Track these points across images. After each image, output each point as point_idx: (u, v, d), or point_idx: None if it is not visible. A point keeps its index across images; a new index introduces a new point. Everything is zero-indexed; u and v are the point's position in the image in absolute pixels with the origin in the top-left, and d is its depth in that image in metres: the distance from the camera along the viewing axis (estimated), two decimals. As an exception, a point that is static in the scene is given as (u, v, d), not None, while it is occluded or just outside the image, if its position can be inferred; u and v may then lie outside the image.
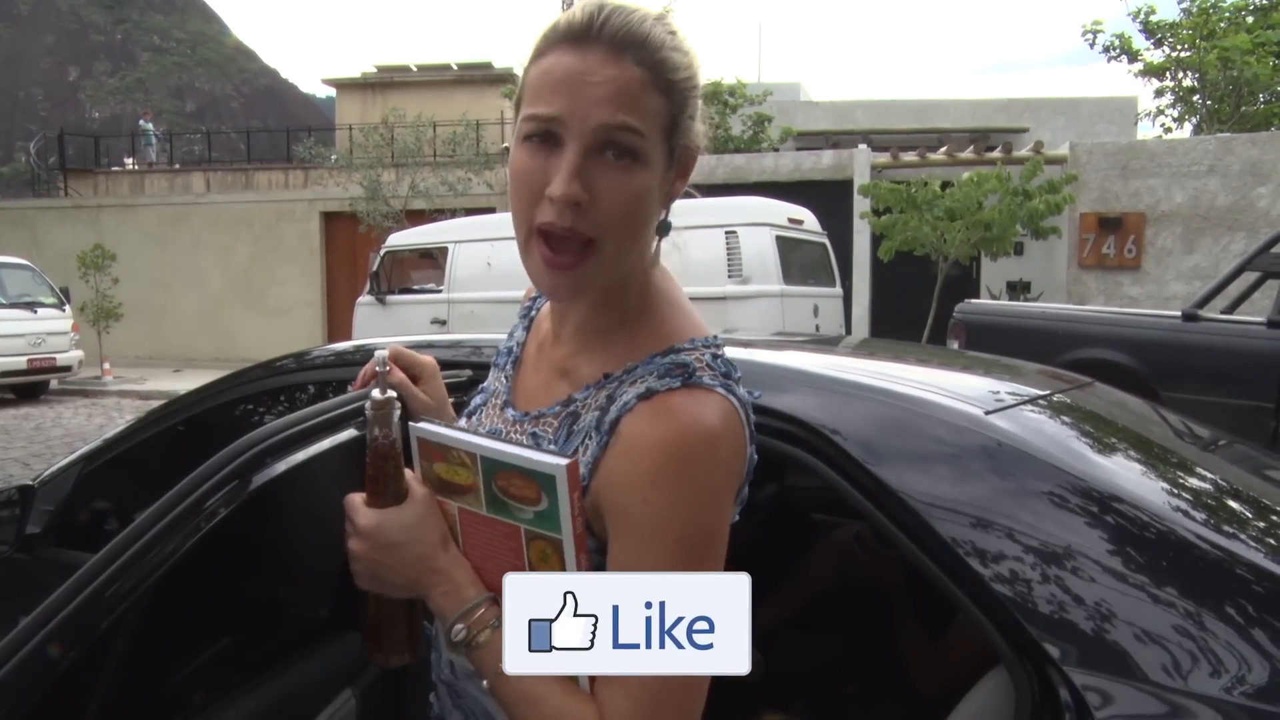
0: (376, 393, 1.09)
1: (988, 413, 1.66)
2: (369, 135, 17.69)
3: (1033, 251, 12.86)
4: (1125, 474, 1.62)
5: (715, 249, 9.50)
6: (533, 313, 1.30)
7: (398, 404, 1.10)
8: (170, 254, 19.52)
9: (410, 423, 1.10)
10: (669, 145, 1.05)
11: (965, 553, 1.41)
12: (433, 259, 11.77)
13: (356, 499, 1.10)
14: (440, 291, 11.20)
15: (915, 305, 11.69)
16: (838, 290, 11.11)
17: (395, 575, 1.07)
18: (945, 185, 11.47)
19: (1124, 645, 1.31)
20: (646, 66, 1.00)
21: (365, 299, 11.74)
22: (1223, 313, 7.02)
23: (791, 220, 10.17)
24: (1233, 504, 1.73)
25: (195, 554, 1.24)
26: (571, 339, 1.15)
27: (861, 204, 12.69)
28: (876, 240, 12.29)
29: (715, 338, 1.12)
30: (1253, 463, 2.06)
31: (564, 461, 0.96)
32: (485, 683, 1.01)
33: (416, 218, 15.18)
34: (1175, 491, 1.64)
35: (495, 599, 1.02)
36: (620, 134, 0.99)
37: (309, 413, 1.37)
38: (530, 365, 1.23)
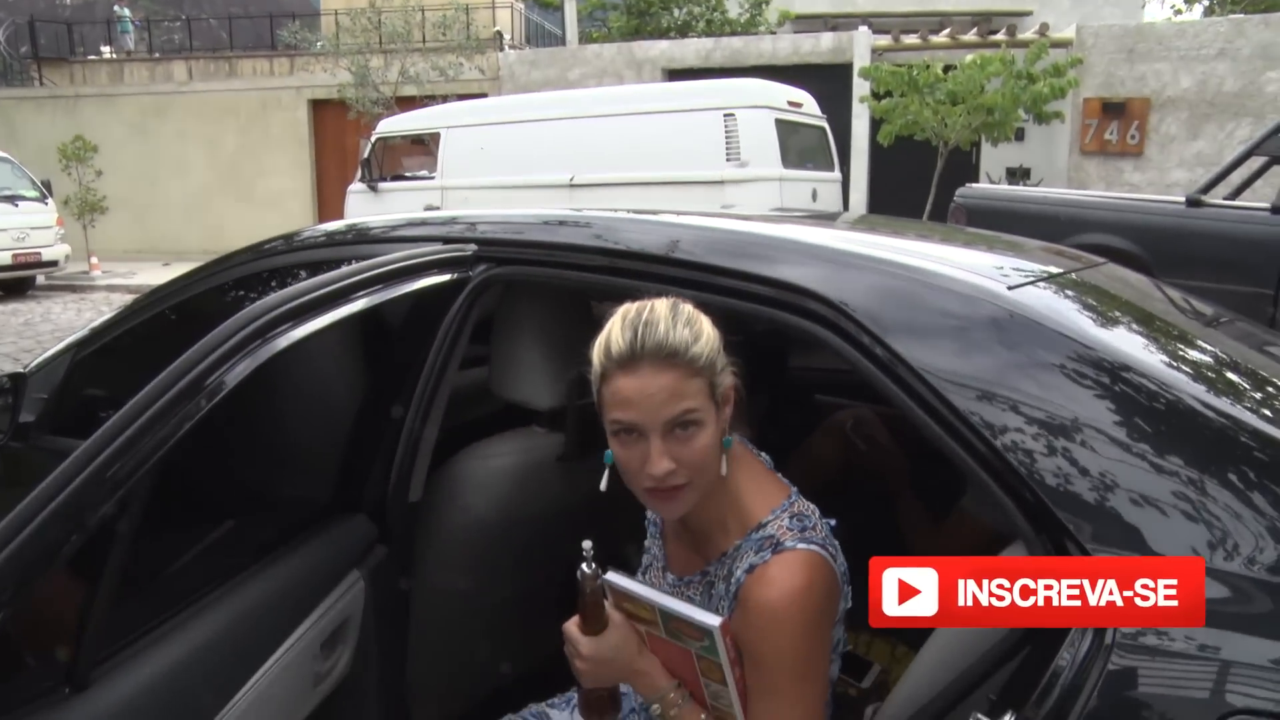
0: (586, 567, 1.47)
1: (1010, 288, 1.60)
2: (356, 19, 17.12)
3: (1033, 137, 12.64)
4: (1154, 351, 1.57)
5: (713, 132, 9.32)
6: None
7: (600, 572, 1.49)
8: (154, 145, 19.10)
9: (605, 577, 1.50)
10: (714, 400, 1.42)
11: (985, 429, 1.37)
12: (425, 145, 11.53)
13: (574, 628, 1.50)
14: (433, 178, 11.01)
15: (913, 191, 11.54)
16: (837, 175, 10.94)
17: (610, 678, 1.53)
18: (947, 69, 11.19)
19: (1143, 521, 1.27)
20: (682, 366, 1.38)
21: (357, 187, 11.55)
22: (1226, 199, 6.92)
23: (791, 103, 9.96)
24: (1259, 380, 1.69)
25: (198, 434, 1.19)
26: (692, 525, 1.54)
27: (861, 88, 12.42)
28: (875, 125, 12.06)
29: (789, 499, 1.51)
30: (1254, 339, 2.01)
31: (717, 622, 1.42)
32: None
33: (407, 104, 14.79)
34: (1206, 370, 1.59)
35: (680, 685, 1.50)
36: (681, 418, 1.38)
37: (314, 284, 1.30)
38: (673, 536, 1.65)
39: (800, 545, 1.43)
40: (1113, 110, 11.74)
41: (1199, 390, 1.46)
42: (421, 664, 1.95)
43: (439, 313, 1.84)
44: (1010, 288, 1.58)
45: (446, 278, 1.76)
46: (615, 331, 1.42)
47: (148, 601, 1.40)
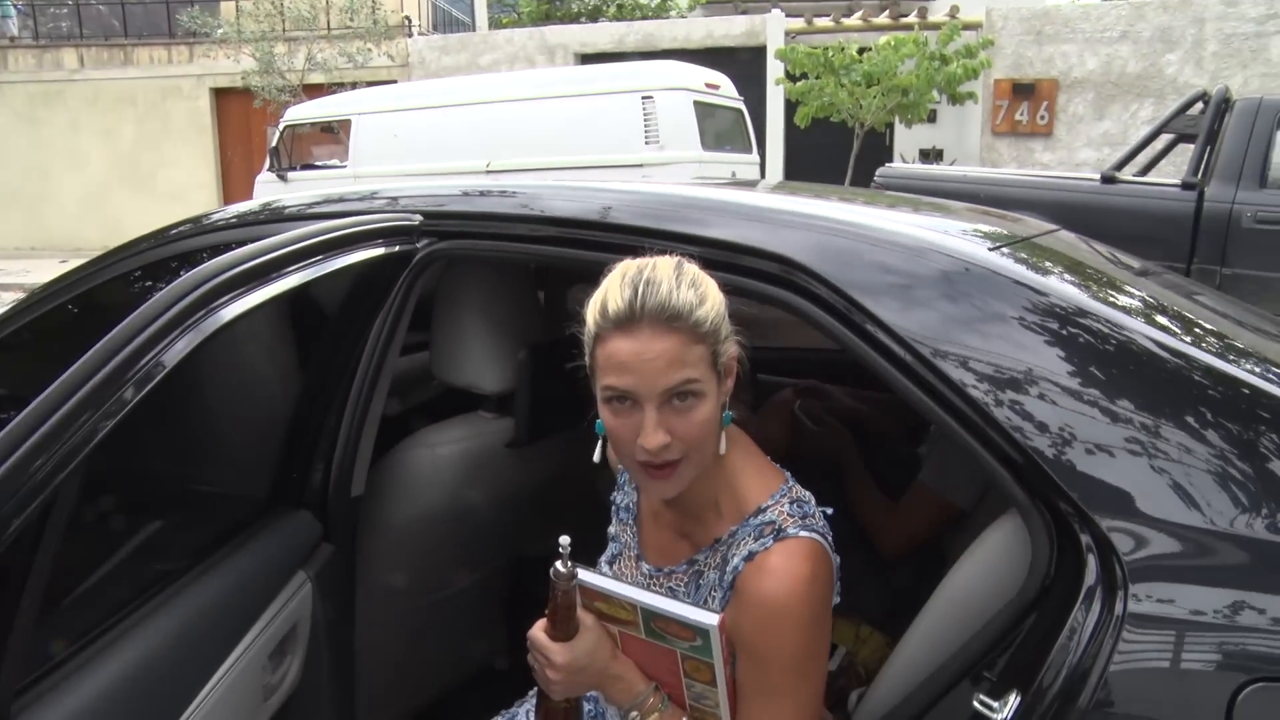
0: (561, 566, 1.31)
1: (991, 249, 1.54)
2: (258, 4, 16.57)
3: (945, 119, 12.81)
4: (1136, 313, 1.52)
5: (631, 115, 9.23)
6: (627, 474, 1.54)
7: (575, 570, 1.33)
8: (45, 136, 18.23)
9: (580, 576, 1.34)
10: (716, 370, 1.29)
11: (976, 396, 1.30)
12: (335, 133, 11.22)
13: (541, 634, 1.35)
14: (345, 166, 10.71)
15: (830, 172, 11.58)
16: (754, 157, 10.94)
17: (584, 686, 1.38)
18: (862, 51, 11.26)
19: (1147, 488, 1.22)
20: (684, 331, 1.25)
21: (265, 176, 11.19)
22: (1137, 176, 7.07)
23: (708, 85, 9.93)
24: (1229, 332, 1.65)
25: (127, 426, 1.05)
26: (682, 507, 1.41)
27: (775, 71, 12.43)
28: (790, 108, 12.09)
29: (787, 483, 1.40)
30: (1182, 289, 1.99)
31: (716, 621, 1.29)
32: None
33: (315, 92, 14.37)
34: (1185, 328, 1.55)
35: (658, 688, 1.38)
36: (681, 388, 1.25)
37: (257, 249, 1.17)
38: (650, 521, 1.51)
39: (803, 533, 1.32)
40: (1022, 91, 11.95)
41: (1199, 353, 1.42)
42: (368, 669, 1.83)
43: (381, 291, 1.71)
44: (991, 249, 1.53)
45: (394, 249, 1.63)
46: (613, 289, 1.27)
47: (74, 620, 1.23)
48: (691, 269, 1.30)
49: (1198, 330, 1.56)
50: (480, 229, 1.74)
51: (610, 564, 1.55)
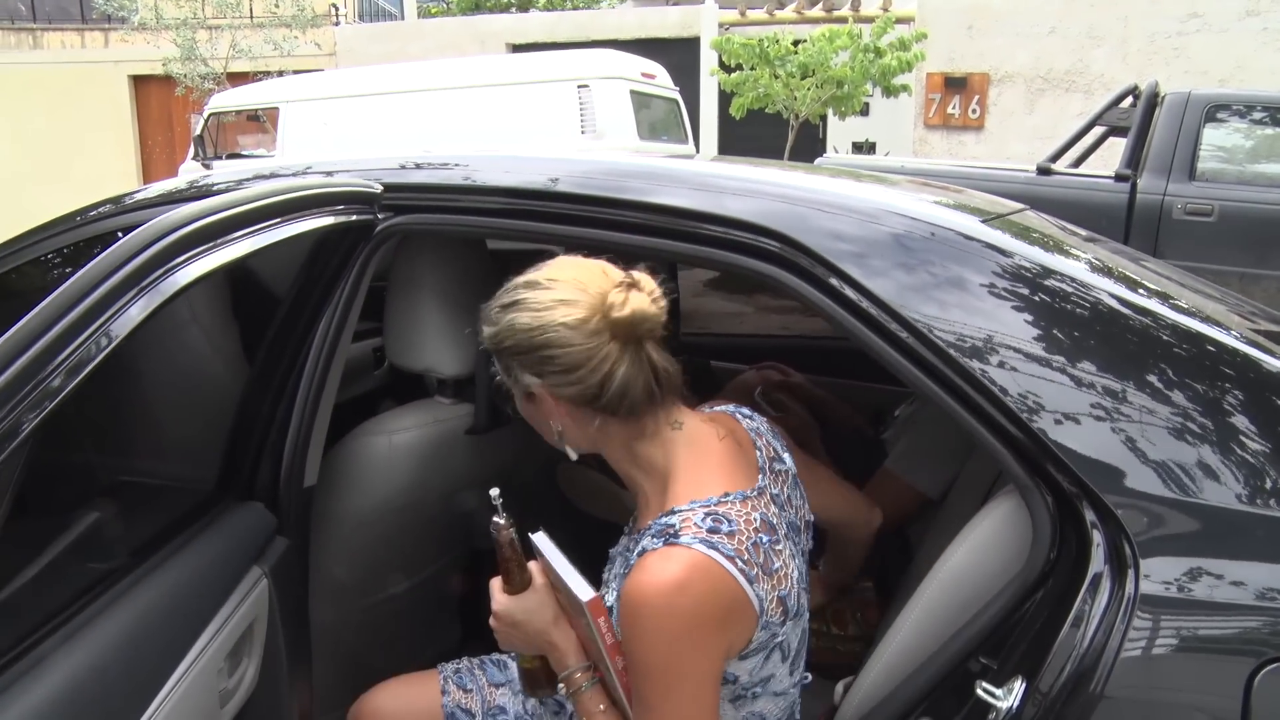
0: (499, 519, 1.36)
1: (983, 221, 1.50)
2: (178, -11, 16.09)
3: (878, 112, 12.94)
4: (1136, 288, 1.49)
5: (567, 104, 9.12)
6: None
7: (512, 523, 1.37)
8: (-55, 125, 17.55)
9: (533, 538, 1.37)
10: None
11: (975, 371, 1.25)
12: (260, 122, 10.93)
13: (495, 585, 1.40)
14: (272, 155, 10.43)
15: (765, 165, 11.61)
16: (691, 148, 10.91)
17: (520, 644, 1.41)
18: (797, 42, 11.30)
19: (1154, 464, 1.18)
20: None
21: (189, 165, 10.86)
22: (1071, 167, 7.19)
23: (645, 75, 9.86)
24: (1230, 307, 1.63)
25: (67, 410, 0.94)
26: (631, 488, 1.41)
27: (709, 62, 12.42)
28: (724, 99, 12.09)
29: (723, 497, 1.30)
30: (1129, 254, 1.98)
31: (587, 596, 1.28)
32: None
33: (240, 80, 14.00)
34: (1190, 305, 1.52)
35: (589, 666, 1.36)
36: None
37: (220, 203, 1.06)
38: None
39: (696, 544, 1.23)
40: (954, 85, 12.07)
41: (1208, 329, 1.39)
42: (320, 668, 1.72)
43: (336, 268, 1.61)
44: (984, 221, 1.48)
45: (352, 218, 1.52)
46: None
47: (7, 626, 1.09)
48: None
49: (1202, 307, 1.53)
50: (445, 202, 1.65)
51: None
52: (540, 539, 1.36)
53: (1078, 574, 1.16)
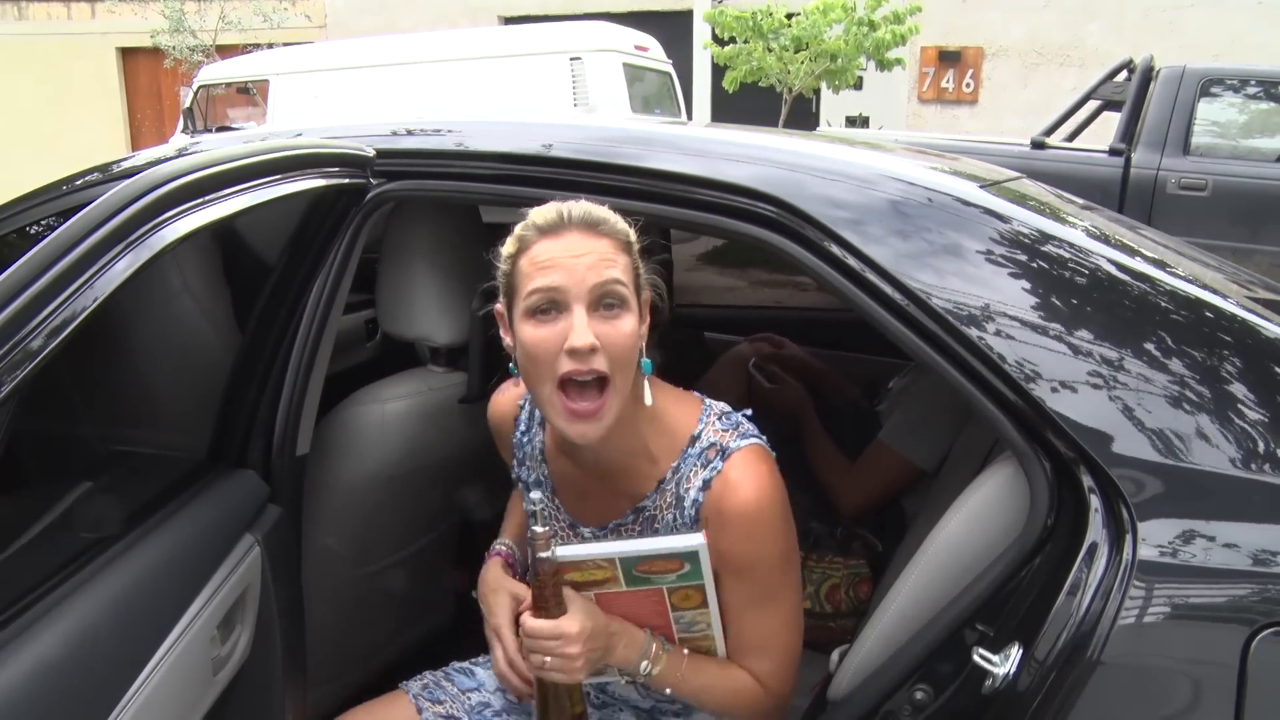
0: (538, 527, 1.25)
1: (981, 188, 1.49)
2: (164, -40, 15.89)
3: (872, 86, 12.84)
4: (1135, 254, 1.47)
5: (560, 76, 9.04)
6: (529, 447, 1.50)
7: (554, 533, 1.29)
8: (-68, 96, 17.34)
9: (547, 555, 1.26)
10: (638, 290, 1.29)
11: (974, 338, 1.24)
12: (251, 95, 10.83)
13: (541, 622, 1.28)
14: (262, 128, 10.34)
15: (759, 140, 11.55)
16: (684, 121, 10.84)
17: (599, 654, 1.32)
18: (790, 15, 11.22)
19: (1151, 429, 1.17)
20: (610, 236, 1.27)
21: (179, 138, 10.76)
22: (1065, 141, 7.18)
23: (638, 48, 9.78)
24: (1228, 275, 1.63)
25: (55, 373, 0.93)
26: (609, 463, 1.38)
27: (702, 35, 12.33)
28: (718, 72, 12.01)
29: (705, 403, 1.39)
30: (1125, 223, 1.97)
31: (701, 538, 1.30)
32: (669, 690, 1.36)
33: (229, 52, 13.86)
34: (1189, 271, 1.51)
35: (653, 632, 1.36)
36: (609, 287, 1.24)
37: (207, 159, 1.04)
38: (573, 491, 1.46)
39: (744, 441, 1.34)
40: (949, 59, 12.04)
41: (1206, 294, 1.38)
42: (311, 640, 1.72)
43: (329, 233, 1.59)
44: (983, 187, 1.47)
45: (344, 181, 1.50)
46: (538, 211, 1.29)
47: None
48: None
49: (1200, 274, 1.52)
50: (438, 168, 1.63)
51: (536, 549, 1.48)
52: (567, 549, 1.31)
53: (1075, 540, 1.16)
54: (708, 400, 1.41)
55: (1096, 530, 1.14)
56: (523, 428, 1.52)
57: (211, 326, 1.61)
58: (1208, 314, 1.32)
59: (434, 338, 1.87)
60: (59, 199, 1.75)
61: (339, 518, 1.82)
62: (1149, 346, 1.24)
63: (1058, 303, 1.28)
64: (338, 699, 2.02)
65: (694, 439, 1.35)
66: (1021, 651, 1.15)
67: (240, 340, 1.61)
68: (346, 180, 1.51)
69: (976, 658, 1.17)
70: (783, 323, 2.85)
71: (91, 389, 1.51)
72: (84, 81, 17.34)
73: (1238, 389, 1.22)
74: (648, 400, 1.32)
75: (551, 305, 1.24)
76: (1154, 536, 1.12)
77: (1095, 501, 1.15)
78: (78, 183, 1.83)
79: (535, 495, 1.26)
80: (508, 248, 1.29)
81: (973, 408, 1.26)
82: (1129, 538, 1.12)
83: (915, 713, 1.26)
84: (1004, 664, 1.15)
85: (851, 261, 1.32)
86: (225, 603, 1.31)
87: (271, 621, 1.44)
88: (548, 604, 1.28)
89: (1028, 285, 1.31)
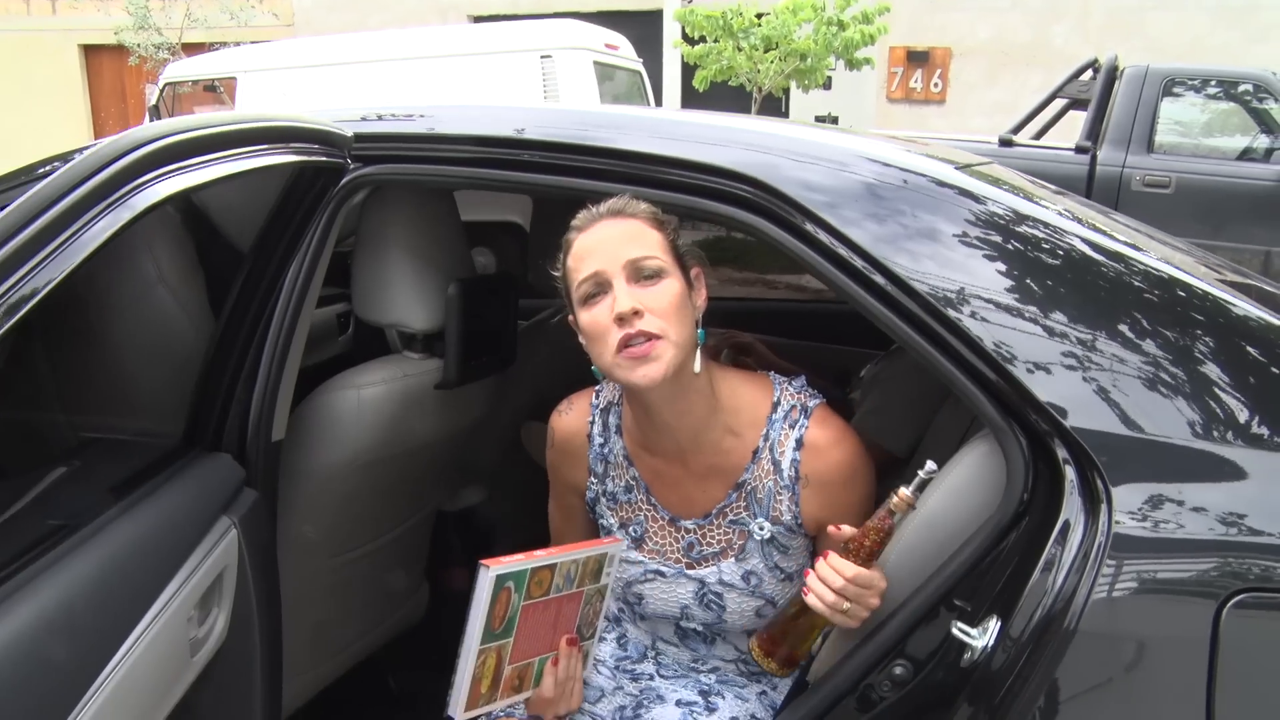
0: (905, 490, 1.29)
1: (959, 169, 1.50)
2: (128, -47, 15.70)
3: (841, 86, 12.92)
4: (1106, 232, 1.49)
5: (530, 75, 9.01)
6: (611, 456, 1.57)
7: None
8: (-118, 94, 17.02)
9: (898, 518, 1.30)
10: (679, 262, 1.40)
11: (949, 314, 1.26)
12: (217, 92, 10.73)
13: (868, 572, 1.29)
14: (230, 126, 10.24)
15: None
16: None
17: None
18: (760, 15, 11.26)
19: (1124, 400, 1.19)
20: (639, 216, 1.39)
21: (143, 136, 10.63)
22: (1032, 140, 7.27)
23: (608, 46, 9.76)
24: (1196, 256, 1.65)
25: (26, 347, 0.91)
26: (692, 452, 1.48)
27: (673, 34, 12.35)
28: (688, 71, 12.04)
29: (771, 375, 1.52)
30: (1097, 208, 2.00)
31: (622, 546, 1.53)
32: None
33: (195, 50, 13.73)
34: (1159, 248, 1.54)
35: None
36: (643, 261, 1.36)
37: (190, 122, 1.03)
38: (666, 487, 1.53)
39: (814, 400, 1.48)
40: (917, 59, 12.13)
41: (1177, 271, 1.40)
42: (291, 628, 1.70)
43: (305, 216, 1.58)
44: (959, 168, 1.49)
45: (323, 159, 1.50)
46: (577, 214, 1.42)
47: None
48: None
49: (1170, 256, 1.54)
50: (413, 152, 1.63)
51: (639, 548, 1.56)
52: (500, 565, 1.35)
53: (1051, 512, 1.18)
54: (773, 373, 1.53)
55: (1073, 501, 1.15)
56: (599, 440, 1.58)
57: (185, 311, 1.60)
58: (1180, 293, 1.34)
59: (410, 323, 1.86)
60: (16, 188, 1.73)
61: (314, 504, 1.81)
62: (1121, 323, 1.26)
63: (1031, 282, 1.30)
64: (314, 690, 2.02)
65: (775, 404, 1.47)
66: (1000, 624, 1.16)
67: (215, 324, 1.60)
68: (325, 158, 1.50)
69: (955, 631, 1.18)
70: (753, 315, 2.86)
71: (65, 376, 1.50)
72: (45, 80, 17.10)
73: (1209, 365, 1.24)
74: (696, 367, 1.39)
75: (597, 289, 1.36)
76: (1127, 505, 1.13)
77: (1070, 473, 1.17)
78: (38, 170, 1.81)
79: (930, 465, 1.28)
80: (560, 258, 1.43)
81: (948, 383, 1.27)
82: (1103, 507, 1.13)
83: (895, 688, 1.27)
84: (982, 637, 1.16)
85: (826, 240, 1.33)
86: (203, 583, 1.30)
87: (249, 604, 1.43)
88: (871, 558, 1.30)
89: (1002, 265, 1.32)
